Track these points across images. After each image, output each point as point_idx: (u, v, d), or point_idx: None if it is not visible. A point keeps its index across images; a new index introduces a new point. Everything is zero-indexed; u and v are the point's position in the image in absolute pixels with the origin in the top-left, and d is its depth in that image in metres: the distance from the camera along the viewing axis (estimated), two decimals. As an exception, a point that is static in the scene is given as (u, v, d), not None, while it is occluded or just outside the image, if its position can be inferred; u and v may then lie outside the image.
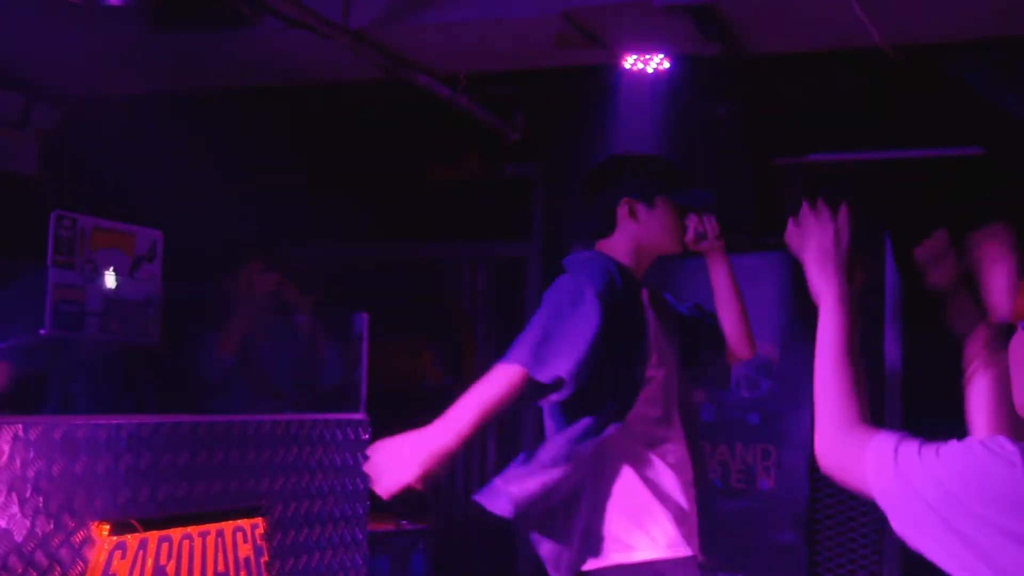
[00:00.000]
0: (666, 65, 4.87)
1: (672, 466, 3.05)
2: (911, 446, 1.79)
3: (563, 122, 5.69)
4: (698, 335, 3.32)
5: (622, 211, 3.14)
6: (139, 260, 4.96)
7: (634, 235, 3.15)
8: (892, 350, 5.75)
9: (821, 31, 4.50)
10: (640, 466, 3.02)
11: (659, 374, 3.08)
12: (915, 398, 5.55)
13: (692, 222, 3.18)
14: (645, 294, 3.13)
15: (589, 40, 4.58)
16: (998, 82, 4.86)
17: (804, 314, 5.84)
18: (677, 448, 3.07)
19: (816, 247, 2.22)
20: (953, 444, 1.77)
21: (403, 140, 5.90)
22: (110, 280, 4.78)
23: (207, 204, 5.44)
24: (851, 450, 1.86)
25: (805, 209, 2.28)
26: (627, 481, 3.01)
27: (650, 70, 4.89)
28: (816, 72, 5.02)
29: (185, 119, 5.23)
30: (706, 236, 3.20)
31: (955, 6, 4.19)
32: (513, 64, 5.07)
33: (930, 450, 1.77)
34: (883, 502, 1.81)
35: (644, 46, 4.77)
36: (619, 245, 3.15)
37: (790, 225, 2.30)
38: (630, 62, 4.85)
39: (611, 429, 2.94)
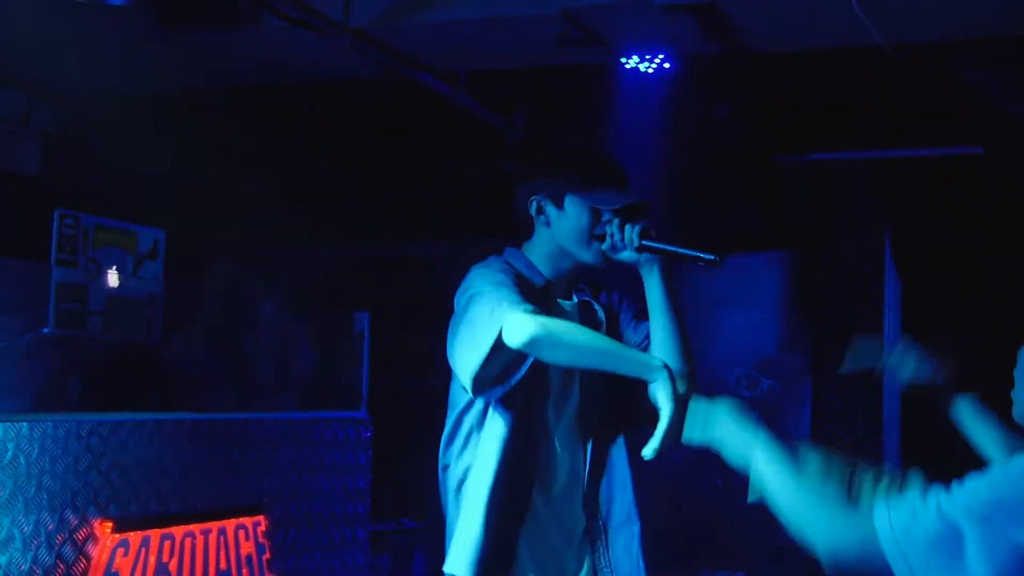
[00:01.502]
0: (667, 64, 4.87)
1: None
2: (908, 499, 1.81)
3: (563, 121, 5.69)
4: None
5: (532, 211, 2.84)
6: (141, 258, 4.98)
7: (547, 238, 2.84)
8: (892, 350, 5.75)
9: (821, 30, 4.50)
10: None
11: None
12: (913, 399, 5.54)
13: (610, 228, 2.75)
14: (560, 305, 2.84)
15: (589, 39, 4.59)
16: (998, 82, 4.87)
17: (803, 313, 5.86)
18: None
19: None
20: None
21: (403, 138, 5.91)
22: (112, 279, 4.79)
23: (209, 203, 5.45)
24: (858, 536, 1.86)
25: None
26: None
27: (651, 69, 4.89)
28: (816, 71, 5.02)
29: (187, 118, 5.23)
30: (625, 246, 2.73)
31: (954, 6, 4.20)
32: (513, 63, 5.07)
33: (939, 488, 1.80)
34: (899, 554, 1.80)
35: (644, 45, 4.77)
36: (537, 248, 2.86)
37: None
38: (631, 61, 4.85)
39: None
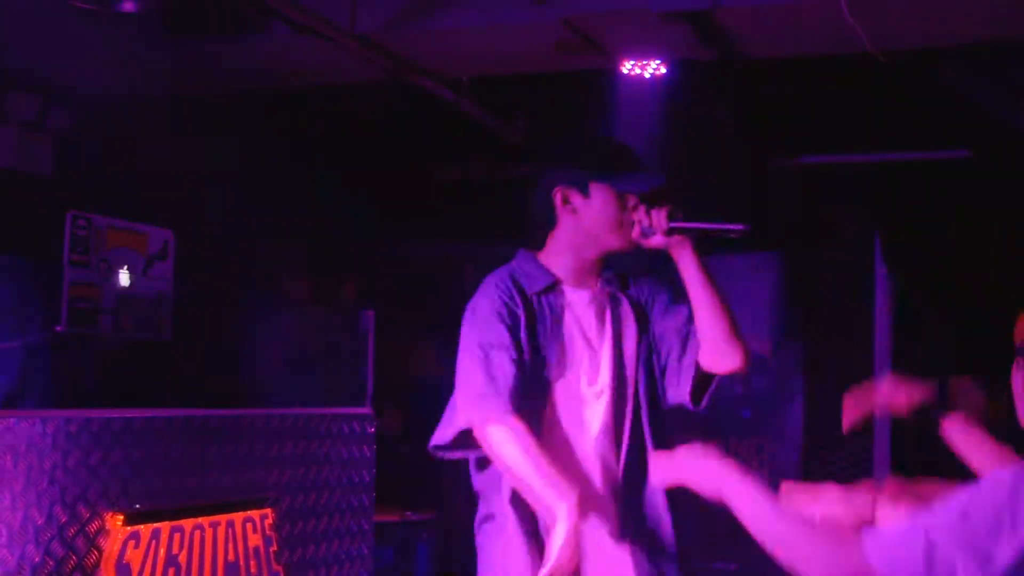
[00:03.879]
0: (663, 70, 4.87)
1: None
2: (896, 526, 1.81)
3: (563, 125, 5.69)
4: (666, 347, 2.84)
5: (557, 201, 2.76)
6: (152, 258, 4.98)
7: (573, 228, 2.76)
8: (882, 349, 5.76)
9: (813, 37, 4.49)
10: None
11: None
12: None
13: (638, 215, 2.70)
14: (577, 296, 2.78)
15: (589, 45, 4.58)
16: (985, 86, 4.86)
17: (795, 312, 5.86)
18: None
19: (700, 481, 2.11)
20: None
21: (407, 142, 5.91)
22: (124, 278, 4.79)
23: (218, 205, 5.44)
24: (850, 567, 1.85)
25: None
26: None
27: (648, 75, 4.89)
28: (808, 77, 5.02)
29: (197, 122, 5.23)
30: (654, 231, 2.68)
31: (942, 13, 4.20)
32: (514, 68, 5.07)
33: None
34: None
35: (642, 51, 4.76)
36: (561, 241, 2.79)
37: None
38: (628, 67, 4.85)
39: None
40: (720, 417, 5.99)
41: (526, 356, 2.70)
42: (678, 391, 2.81)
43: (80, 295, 4.58)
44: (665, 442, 2.78)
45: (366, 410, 4.30)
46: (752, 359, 2.74)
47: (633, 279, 2.91)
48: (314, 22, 4.34)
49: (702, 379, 2.78)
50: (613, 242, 2.75)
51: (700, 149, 5.61)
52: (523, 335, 2.71)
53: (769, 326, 5.81)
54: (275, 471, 3.71)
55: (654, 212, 2.67)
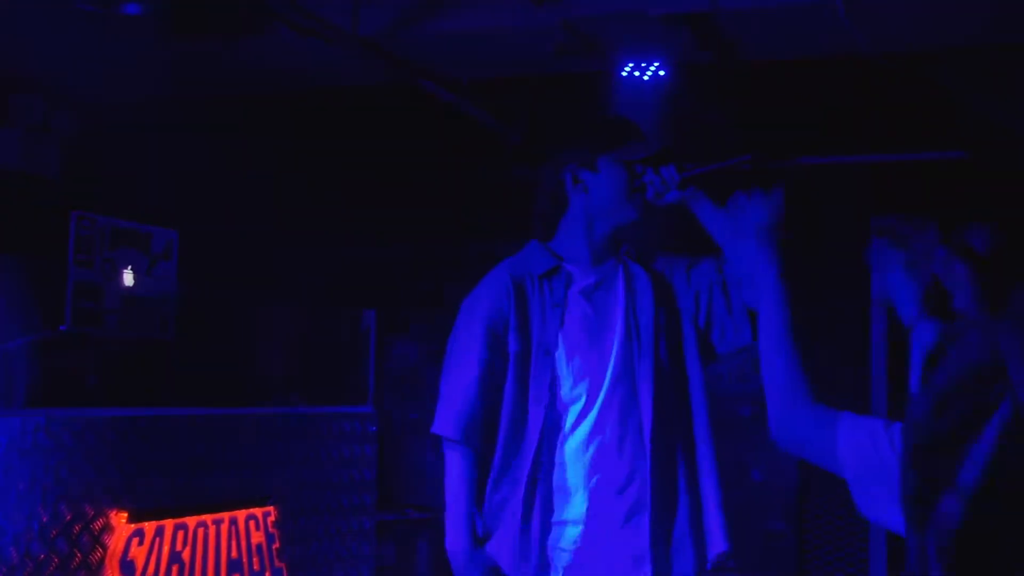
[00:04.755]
0: (661, 72, 4.87)
1: None
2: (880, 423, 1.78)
3: (563, 127, 5.68)
4: (711, 316, 2.82)
5: (568, 182, 2.78)
6: (155, 259, 4.97)
7: (585, 207, 2.77)
8: (878, 347, 5.75)
9: (810, 40, 4.50)
10: None
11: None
12: (902, 384, 5.54)
13: (648, 177, 2.72)
14: (587, 276, 2.77)
15: (588, 48, 4.58)
16: (979, 88, 4.86)
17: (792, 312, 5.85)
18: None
19: (756, 227, 2.14)
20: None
21: (408, 143, 5.90)
22: (128, 278, 4.79)
23: (221, 205, 5.44)
24: (814, 427, 1.84)
25: (745, 193, 2.21)
26: None
27: (646, 77, 4.89)
28: (805, 79, 5.02)
29: (200, 124, 5.23)
30: (668, 187, 2.71)
31: (937, 17, 4.20)
32: (515, 71, 5.07)
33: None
34: (853, 477, 1.78)
35: (641, 54, 4.77)
36: (572, 223, 2.80)
37: (731, 203, 2.23)
38: (627, 69, 4.85)
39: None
40: (719, 414, 5.98)
41: (521, 347, 2.71)
42: (738, 335, 2.81)
43: (84, 295, 4.58)
44: (691, 415, 2.81)
45: (368, 409, 4.30)
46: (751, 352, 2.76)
47: (650, 257, 2.90)
48: (317, 25, 4.34)
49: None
50: (628, 212, 2.77)
51: (697, 151, 5.60)
52: (512, 332, 2.72)
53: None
54: (277, 469, 3.71)
55: (663, 170, 2.71)
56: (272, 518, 3.60)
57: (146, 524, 3.09)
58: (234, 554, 3.42)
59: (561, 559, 2.69)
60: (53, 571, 2.82)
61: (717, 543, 2.83)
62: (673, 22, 4.28)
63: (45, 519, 2.82)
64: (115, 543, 3.00)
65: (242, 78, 5.22)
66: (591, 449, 2.70)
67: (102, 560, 2.96)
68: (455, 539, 2.78)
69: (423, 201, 6.15)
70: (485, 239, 6.85)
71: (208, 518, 3.33)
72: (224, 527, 3.40)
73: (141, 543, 3.07)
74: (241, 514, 3.48)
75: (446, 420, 2.75)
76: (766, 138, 5.75)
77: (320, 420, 3.94)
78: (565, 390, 2.72)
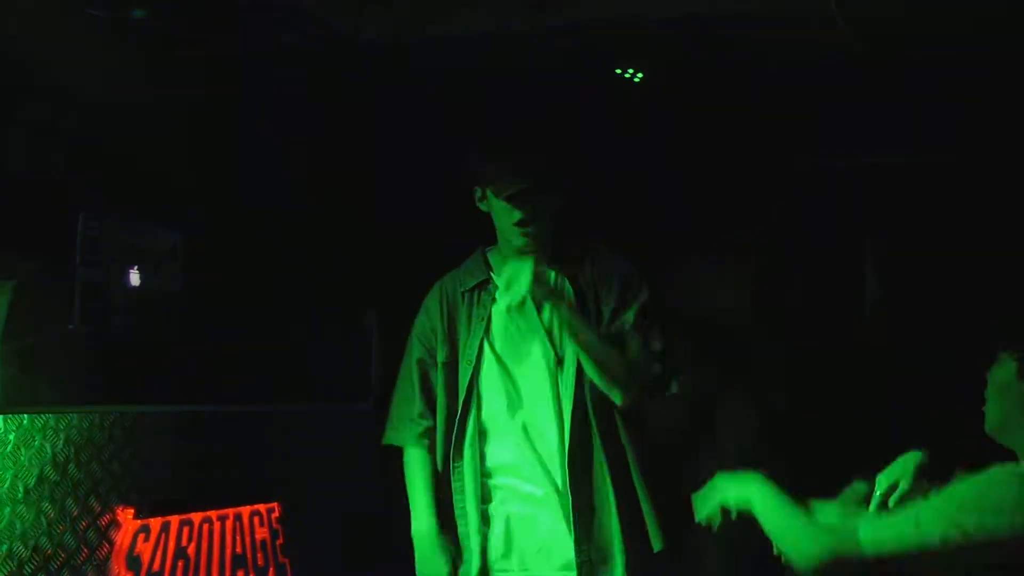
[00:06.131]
0: (658, 75, 4.87)
1: None
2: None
3: (562, 130, 5.69)
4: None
5: (477, 201, 2.93)
6: (161, 259, 4.97)
7: (495, 223, 2.95)
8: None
9: (806, 44, 4.50)
10: None
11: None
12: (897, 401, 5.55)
13: (499, 282, 2.77)
14: (510, 287, 2.76)
15: (586, 52, 4.59)
16: (973, 91, 4.87)
17: (787, 312, 5.85)
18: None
19: None
20: None
21: (409, 145, 5.90)
22: (134, 278, 4.78)
23: (225, 206, 5.44)
24: (840, 548, 1.91)
25: None
26: None
27: (644, 80, 4.89)
28: (799, 81, 5.02)
29: (204, 125, 5.23)
30: (542, 284, 2.71)
31: (931, 21, 4.21)
32: (515, 74, 5.07)
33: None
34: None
35: (638, 58, 4.77)
36: (498, 235, 2.97)
37: None
38: (629, 74, 4.85)
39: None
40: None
41: (448, 358, 2.84)
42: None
43: (91, 295, 4.58)
44: (611, 421, 2.82)
45: (370, 406, 4.31)
46: (636, 400, 2.78)
47: (596, 256, 2.91)
48: (320, 29, 4.35)
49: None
50: (514, 241, 2.85)
51: (693, 154, 5.61)
52: (443, 335, 2.85)
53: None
54: (281, 466, 3.72)
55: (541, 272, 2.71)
56: (276, 514, 3.60)
57: (152, 520, 3.10)
58: (238, 550, 3.42)
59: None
60: (60, 566, 2.83)
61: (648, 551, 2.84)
62: (671, 28, 4.28)
63: (53, 515, 2.83)
64: (122, 538, 3.01)
65: (247, 80, 5.21)
66: (511, 458, 2.79)
67: (109, 555, 2.97)
68: (418, 524, 2.90)
69: (424, 201, 6.15)
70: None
71: (213, 514, 3.34)
72: (229, 523, 3.40)
73: (147, 538, 3.07)
74: (245, 510, 3.48)
75: (393, 431, 3.01)
76: (760, 140, 5.75)
77: (323, 417, 3.95)
78: (487, 402, 2.82)
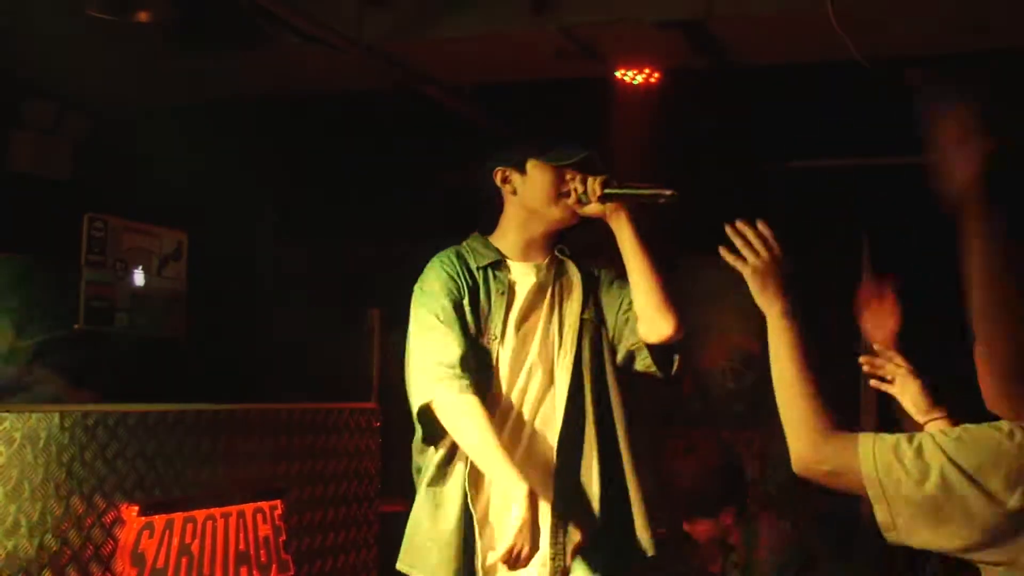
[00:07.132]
0: (656, 77, 4.87)
1: None
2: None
3: (562, 130, 5.68)
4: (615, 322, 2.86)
5: (498, 182, 2.86)
6: (166, 259, 4.99)
7: (516, 207, 2.86)
8: (869, 348, 5.74)
9: (802, 45, 4.50)
10: None
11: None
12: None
13: (575, 183, 2.75)
14: (523, 270, 2.83)
15: (586, 53, 4.59)
16: (969, 93, 4.86)
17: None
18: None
19: (751, 269, 2.14)
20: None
21: (410, 146, 5.91)
22: (139, 277, 4.80)
23: (229, 207, 5.45)
24: (840, 454, 1.85)
25: (733, 231, 2.18)
26: None
27: (642, 81, 4.89)
28: (797, 83, 5.02)
29: (208, 127, 5.24)
30: (587, 198, 2.73)
31: (926, 23, 4.21)
32: (515, 75, 5.07)
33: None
34: (875, 495, 1.80)
35: (637, 59, 4.77)
36: (508, 220, 2.88)
37: (723, 250, 2.19)
38: (629, 76, 4.85)
39: None
40: (713, 411, 6.00)
41: (471, 328, 2.75)
42: (644, 363, 2.83)
43: (97, 294, 4.59)
44: (610, 409, 2.80)
45: (371, 404, 4.31)
46: (683, 330, 2.74)
47: (591, 258, 2.94)
48: (321, 31, 4.35)
49: (663, 349, 2.79)
50: (554, 214, 2.81)
51: (691, 154, 5.61)
52: (468, 308, 2.76)
53: (759, 325, 5.80)
54: (284, 463, 3.72)
55: (589, 179, 2.73)
56: (279, 511, 3.61)
57: (156, 517, 3.10)
58: (242, 546, 3.42)
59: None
60: (66, 563, 2.83)
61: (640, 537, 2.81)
62: (669, 28, 4.28)
63: (58, 512, 2.83)
64: (126, 536, 3.01)
65: (249, 83, 5.22)
66: (504, 435, 2.72)
67: (113, 552, 2.97)
68: (519, 487, 2.61)
69: (425, 201, 6.15)
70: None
71: (216, 511, 3.34)
72: (232, 520, 3.40)
73: (151, 536, 3.08)
74: (249, 507, 3.48)
75: (431, 383, 2.69)
76: (759, 141, 5.75)
77: (325, 415, 3.95)
78: (503, 377, 2.77)
